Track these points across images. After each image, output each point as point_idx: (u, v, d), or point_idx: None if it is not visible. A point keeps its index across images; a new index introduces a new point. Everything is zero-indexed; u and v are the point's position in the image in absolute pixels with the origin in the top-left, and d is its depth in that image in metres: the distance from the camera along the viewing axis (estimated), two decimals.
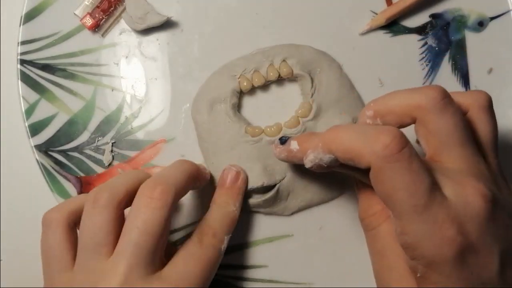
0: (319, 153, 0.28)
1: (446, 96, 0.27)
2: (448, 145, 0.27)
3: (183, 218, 0.37)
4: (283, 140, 0.32)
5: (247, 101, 0.37)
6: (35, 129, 0.37)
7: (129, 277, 0.28)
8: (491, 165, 0.29)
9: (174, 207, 0.30)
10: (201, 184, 0.35)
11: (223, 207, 0.34)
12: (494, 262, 0.26)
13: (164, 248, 0.30)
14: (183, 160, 0.35)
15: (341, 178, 0.36)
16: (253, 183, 0.35)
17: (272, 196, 0.36)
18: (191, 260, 0.30)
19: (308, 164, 0.29)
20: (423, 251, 0.25)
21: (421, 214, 0.25)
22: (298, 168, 0.36)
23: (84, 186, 0.36)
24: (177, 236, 0.37)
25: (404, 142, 0.25)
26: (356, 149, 0.26)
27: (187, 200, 0.37)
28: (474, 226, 0.25)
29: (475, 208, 0.25)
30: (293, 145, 0.31)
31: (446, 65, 0.38)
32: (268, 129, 0.36)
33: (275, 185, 0.36)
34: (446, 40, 0.38)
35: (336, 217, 0.37)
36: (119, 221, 0.30)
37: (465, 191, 0.26)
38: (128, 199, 0.30)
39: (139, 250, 0.28)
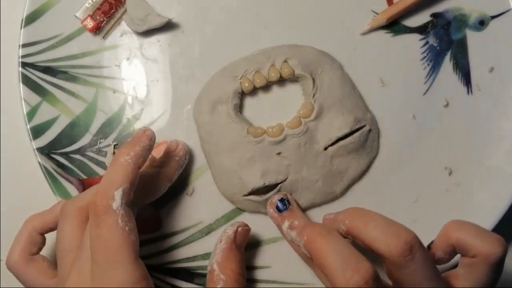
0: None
1: (409, 252, 0.27)
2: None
3: (184, 219, 0.37)
4: (280, 208, 0.35)
5: (249, 101, 0.37)
6: (37, 132, 0.36)
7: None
8: None
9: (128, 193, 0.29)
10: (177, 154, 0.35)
11: (115, 160, 0.30)
12: None
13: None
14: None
15: (343, 179, 0.37)
16: (255, 183, 0.35)
17: None
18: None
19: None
20: None
21: None
22: (301, 169, 0.36)
23: (86, 188, 0.36)
24: (180, 237, 0.37)
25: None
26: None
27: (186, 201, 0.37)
28: None
29: None
30: (285, 227, 0.34)
31: (447, 64, 0.38)
32: (270, 129, 0.36)
33: (277, 185, 0.36)
34: (447, 39, 0.38)
35: None
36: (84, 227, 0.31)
37: None
38: None
39: None
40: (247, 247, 0.36)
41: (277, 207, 0.35)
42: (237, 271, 0.33)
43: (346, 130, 0.36)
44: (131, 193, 0.30)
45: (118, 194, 0.29)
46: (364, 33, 0.38)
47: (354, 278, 0.27)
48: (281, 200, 0.35)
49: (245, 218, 0.36)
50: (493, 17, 0.38)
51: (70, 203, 0.32)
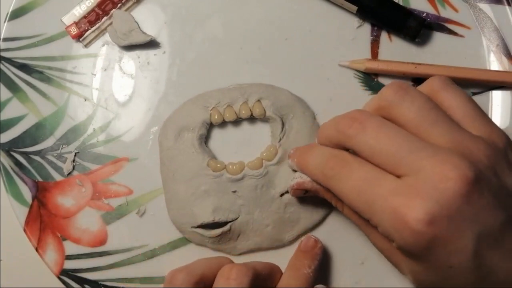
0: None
1: (400, 89, 0.29)
2: (421, 129, 0.28)
3: (129, 239, 0.37)
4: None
5: (217, 133, 0.37)
6: (1, 127, 0.37)
7: None
8: (485, 137, 0.28)
9: None
10: None
11: (297, 270, 0.34)
12: (467, 248, 0.26)
13: None
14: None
15: (294, 228, 0.36)
16: (205, 218, 0.35)
17: (221, 234, 0.35)
18: None
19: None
20: (396, 240, 0.27)
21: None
22: (253, 211, 0.36)
23: (40, 191, 0.36)
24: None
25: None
26: None
27: None
28: (447, 211, 0.25)
29: (450, 190, 0.25)
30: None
31: None
32: (231, 166, 0.36)
33: (227, 223, 0.36)
34: None
35: (283, 265, 0.36)
36: None
37: (444, 170, 0.26)
38: (206, 281, 0.32)
39: None
40: None
41: None
42: None
43: None
44: None
45: None
46: (342, 65, 0.37)
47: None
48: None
49: (190, 249, 0.36)
50: (474, 94, 0.37)
51: (182, 276, 0.32)
